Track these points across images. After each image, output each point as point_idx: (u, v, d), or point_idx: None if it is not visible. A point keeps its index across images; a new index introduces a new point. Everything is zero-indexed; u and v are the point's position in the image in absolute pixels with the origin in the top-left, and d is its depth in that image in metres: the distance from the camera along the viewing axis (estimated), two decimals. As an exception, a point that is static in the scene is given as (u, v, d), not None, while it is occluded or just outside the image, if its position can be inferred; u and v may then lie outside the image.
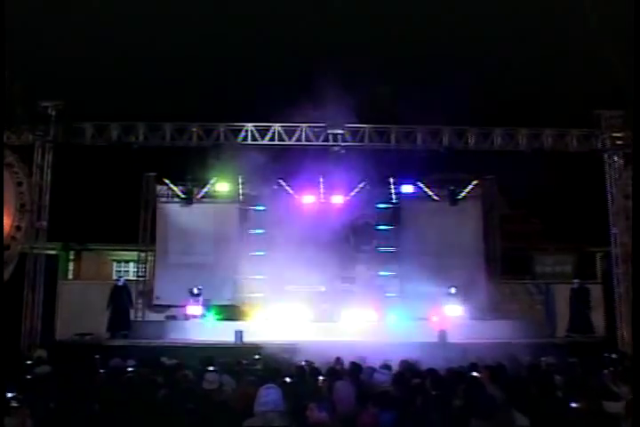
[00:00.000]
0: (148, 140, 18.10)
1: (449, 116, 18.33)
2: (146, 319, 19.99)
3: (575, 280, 19.54)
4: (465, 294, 18.94)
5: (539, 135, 18.52)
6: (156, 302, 20.40)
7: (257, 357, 12.74)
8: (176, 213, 20.87)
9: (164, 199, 21.11)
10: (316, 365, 10.70)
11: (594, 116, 18.32)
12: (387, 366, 9.85)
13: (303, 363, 10.77)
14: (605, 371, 9.71)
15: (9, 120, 15.62)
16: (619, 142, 18.08)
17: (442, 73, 18.85)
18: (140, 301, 20.37)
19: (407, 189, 20.95)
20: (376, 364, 10.02)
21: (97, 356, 11.80)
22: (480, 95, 19.40)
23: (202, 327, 17.98)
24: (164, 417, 7.18)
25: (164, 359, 11.76)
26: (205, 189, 20.81)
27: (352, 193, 20.77)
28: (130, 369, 10.38)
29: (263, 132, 18.36)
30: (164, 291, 20.27)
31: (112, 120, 18.08)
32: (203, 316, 18.81)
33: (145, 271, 20.98)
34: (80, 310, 18.80)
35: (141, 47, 19.66)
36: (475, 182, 21.19)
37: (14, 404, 7.12)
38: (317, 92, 16.36)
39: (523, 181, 18.07)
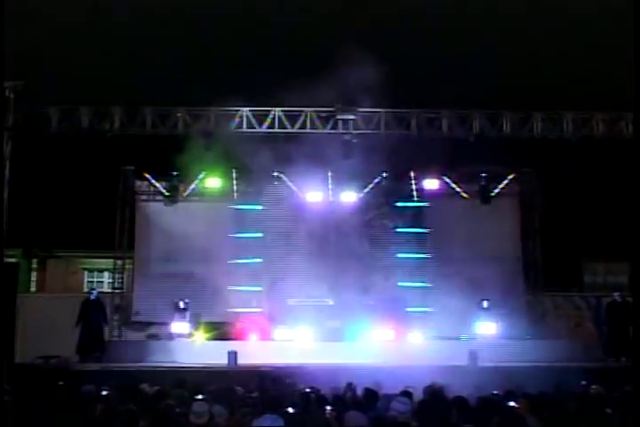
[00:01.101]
0: (126, 128, 18.11)
1: (480, 98, 18.27)
2: (123, 339, 20.00)
3: (616, 293, 19.33)
4: (500, 308, 18.89)
5: (588, 120, 18.45)
6: (134, 318, 20.45)
7: (254, 382, 12.71)
8: (159, 213, 20.89)
9: (144, 197, 21.19)
10: (323, 392, 10.67)
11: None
12: (407, 394, 9.81)
13: (307, 390, 10.73)
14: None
15: None
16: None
17: (471, 47, 18.80)
18: (115, 317, 20.38)
19: (431, 184, 20.92)
20: (394, 391, 9.98)
21: (61, 383, 11.77)
22: (517, 73, 19.32)
23: (189, 348, 17.96)
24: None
25: (143, 386, 11.73)
26: (193, 186, 20.83)
27: (366, 189, 20.74)
28: (103, 397, 10.35)
29: (261, 118, 18.36)
30: (144, 305, 20.32)
31: (82, 104, 18.10)
32: (190, 334, 18.81)
33: (122, 282, 21.01)
34: (44, 328, 18.82)
35: (116, 18, 19.65)
36: (511, 176, 21.14)
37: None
38: (325, 70, 16.33)
39: (568, 175, 18.00)
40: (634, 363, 8.84)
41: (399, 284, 20.49)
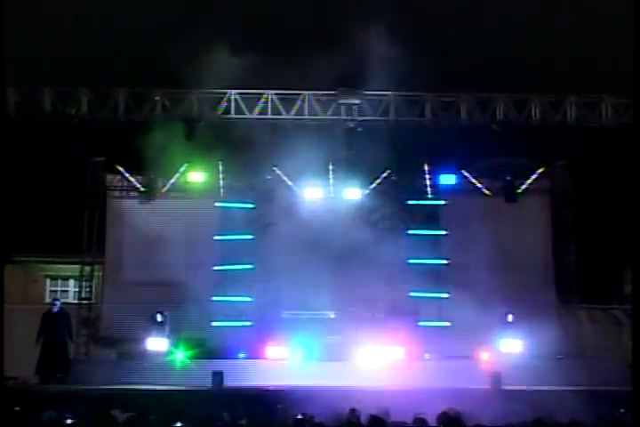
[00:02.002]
0: (94, 113, 18.11)
1: (504, 80, 18.25)
2: (91, 357, 19.98)
3: None
4: (527, 323, 18.85)
5: (629, 105, 18.42)
6: (104, 333, 20.42)
7: (242, 408, 12.70)
8: (133, 212, 20.90)
9: (116, 194, 21.22)
10: (322, 419, 10.62)
11: None
12: (419, 421, 9.79)
13: (300, 416, 10.70)
14: None
15: None
16: None
17: (495, 19, 18.78)
18: (82, 332, 20.36)
19: (448, 179, 20.93)
20: (405, 418, 9.95)
21: (18, 408, 11.73)
22: (548, 51, 19.29)
23: (167, 368, 17.96)
24: None
25: (114, 412, 11.70)
26: (173, 180, 20.83)
27: (372, 185, 20.73)
28: (67, 425, 10.32)
29: (252, 102, 18.34)
30: (115, 318, 20.30)
31: (44, 84, 18.06)
32: (169, 352, 18.78)
33: (90, 292, 20.97)
34: None
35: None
36: (540, 170, 21.14)
37: None
38: (326, 46, 16.32)
39: (607, 169, 17.95)
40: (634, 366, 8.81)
41: (410, 294, 20.49)
